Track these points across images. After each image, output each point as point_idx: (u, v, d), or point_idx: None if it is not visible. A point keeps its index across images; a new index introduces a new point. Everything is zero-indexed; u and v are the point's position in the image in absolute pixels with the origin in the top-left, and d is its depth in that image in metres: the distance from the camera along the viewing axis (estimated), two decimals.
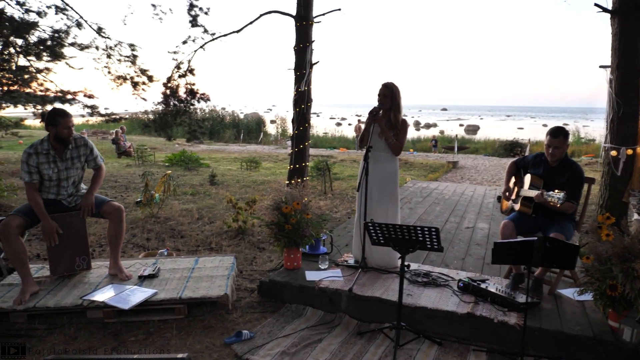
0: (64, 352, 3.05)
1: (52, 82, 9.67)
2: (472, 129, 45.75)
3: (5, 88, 7.63)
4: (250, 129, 29.97)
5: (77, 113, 11.25)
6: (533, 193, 3.52)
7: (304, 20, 6.60)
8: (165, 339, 3.18)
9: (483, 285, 3.44)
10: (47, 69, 7.94)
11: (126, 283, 3.71)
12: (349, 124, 52.11)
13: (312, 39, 6.71)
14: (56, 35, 7.61)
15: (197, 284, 3.66)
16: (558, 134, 3.57)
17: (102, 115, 10.55)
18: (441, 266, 4.14)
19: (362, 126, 22.93)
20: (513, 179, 4.00)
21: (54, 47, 7.65)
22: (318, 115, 71.26)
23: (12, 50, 7.50)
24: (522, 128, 51.08)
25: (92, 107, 10.26)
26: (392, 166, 3.88)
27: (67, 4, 8.75)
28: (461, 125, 53.03)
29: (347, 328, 3.34)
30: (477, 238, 5.13)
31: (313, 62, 6.77)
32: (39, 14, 8.95)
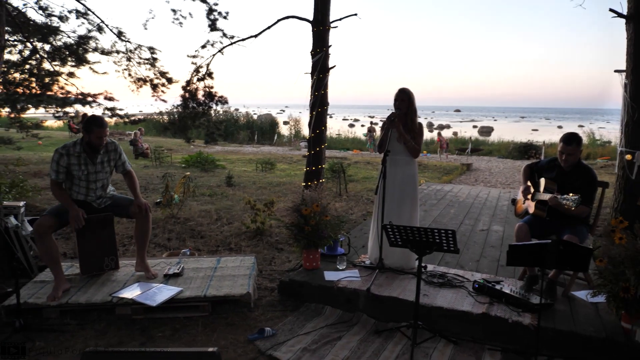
0: (95, 346, 3.20)
1: (73, 85, 9.96)
2: (486, 131, 45.53)
3: (32, 91, 7.89)
4: (263, 130, 30.23)
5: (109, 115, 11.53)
6: (547, 196, 3.60)
7: (321, 25, 6.73)
8: (191, 335, 3.33)
9: (498, 287, 3.53)
10: (72, 73, 8.19)
11: (152, 281, 3.87)
12: (362, 125, 52.19)
13: (329, 44, 6.84)
14: (82, 41, 7.85)
15: (220, 282, 3.81)
16: (571, 142, 3.65)
17: (121, 117, 10.80)
18: (456, 268, 4.23)
19: (375, 127, 22.96)
20: (528, 183, 4.08)
21: (78, 52, 7.88)
22: (331, 117, 71.38)
23: (38, 55, 7.76)
24: (536, 130, 50.67)
25: (112, 109, 10.52)
26: (411, 169, 4.00)
27: (89, 9, 9.00)
28: (475, 126, 52.77)
29: (365, 327, 3.45)
30: (492, 240, 5.20)
31: (330, 66, 6.90)
32: (60, 18, 9.23)
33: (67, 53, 7.79)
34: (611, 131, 34.77)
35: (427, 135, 33.43)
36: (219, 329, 3.41)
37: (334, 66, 6.90)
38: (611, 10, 5.44)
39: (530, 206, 3.84)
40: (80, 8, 9.07)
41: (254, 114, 37.59)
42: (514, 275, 4.08)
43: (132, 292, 3.64)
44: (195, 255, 4.73)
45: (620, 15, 5.44)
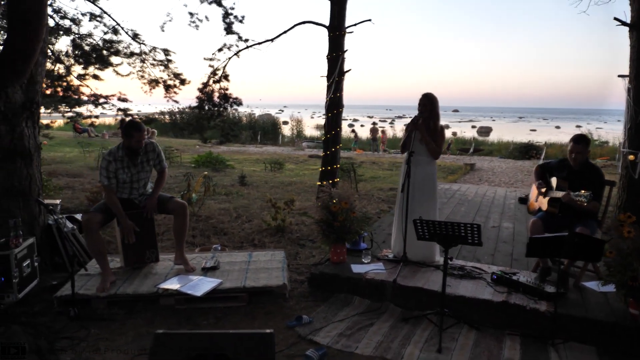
0: (147, 333, 3.46)
1: (87, 86, 10.22)
2: (485, 131, 45.92)
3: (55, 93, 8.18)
4: (265, 130, 30.52)
5: (110, 114, 11.76)
6: (560, 194, 3.89)
7: (337, 30, 7.02)
8: (233, 323, 3.60)
9: (514, 278, 3.82)
10: (96, 76, 8.47)
11: (191, 274, 4.14)
12: (362, 125, 52.54)
13: (345, 49, 7.13)
14: (108, 45, 8.13)
15: (256, 275, 4.08)
16: (580, 141, 3.97)
17: (133, 117, 11.05)
18: (473, 261, 4.51)
19: (378, 128, 23.38)
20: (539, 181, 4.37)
21: (103, 55, 8.16)
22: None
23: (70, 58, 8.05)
24: (534, 130, 51.11)
25: (125, 109, 10.78)
26: (431, 169, 4.29)
27: (104, 11, 9.22)
28: (473, 127, 53.17)
29: (393, 315, 3.73)
30: (504, 236, 5.50)
31: (345, 69, 7.19)
32: (73, 21, 9.47)
33: (94, 56, 8.06)
34: (609, 132, 35.14)
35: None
36: (259, 317, 3.69)
37: (350, 69, 7.21)
38: (615, 19, 5.74)
39: (543, 203, 4.14)
40: (96, 11, 9.32)
41: (252, 113, 37.88)
42: (527, 267, 4.37)
43: (174, 284, 3.91)
44: (225, 250, 5.01)
45: (624, 23, 5.74)
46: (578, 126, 56.49)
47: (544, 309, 3.43)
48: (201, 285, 3.85)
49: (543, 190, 4.15)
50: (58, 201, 5.24)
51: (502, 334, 3.43)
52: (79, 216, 5.23)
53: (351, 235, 4.27)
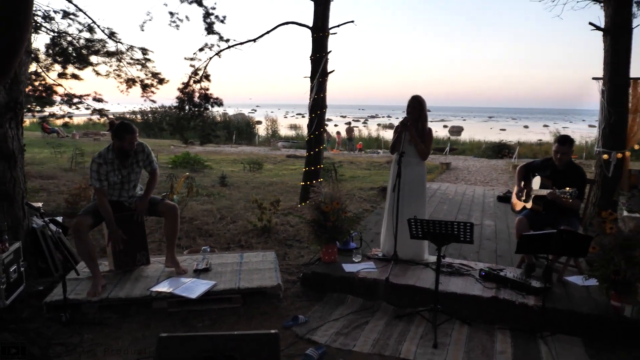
0: (142, 337, 3.43)
1: (61, 85, 9.94)
2: (456, 130, 46.80)
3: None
4: (240, 130, 30.33)
5: (84, 113, 11.46)
6: (545, 192, 4.04)
7: (320, 31, 7.06)
8: (229, 324, 3.60)
9: (502, 274, 3.95)
10: (75, 75, 8.27)
11: (183, 276, 4.11)
12: (335, 125, 52.75)
13: (329, 50, 7.19)
14: (89, 44, 7.95)
15: (249, 276, 4.09)
16: (565, 142, 4.14)
17: (109, 118, 10.82)
18: (460, 258, 4.64)
19: (354, 129, 23.55)
20: (522, 183, 4.52)
21: (82, 54, 7.98)
22: (303, 116, 71.74)
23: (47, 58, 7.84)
24: (504, 129, 52.39)
25: (101, 110, 10.54)
26: (421, 169, 4.39)
27: (80, 9, 8.98)
28: (445, 126, 54.11)
29: (386, 313, 3.80)
30: (487, 234, 5.66)
31: (328, 70, 7.24)
32: (44, 18, 9.20)
33: (74, 55, 7.86)
34: (575, 131, 36.36)
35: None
36: (255, 318, 3.70)
37: (333, 70, 7.26)
38: (590, 23, 5.98)
39: (528, 202, 4.29)
40: (70, 8, 9.06)
41: (226, 112, 37.58)
42: (511, 263, 4.52)
43: (167, 287, 3.88)
44: (215, 252, 4.99)
45: (598, 28, 5.99)
46: (545, 126, 58.25)
47: (532, 303, 3.56)
48: (195, 288, 3.84)
49: (523, 198, 4.32)
50: (40, 204, 5.10)
51: (493, 328, 3.55)
52: (60, 219, 5.10)
53: (343, 235, 4.33)
